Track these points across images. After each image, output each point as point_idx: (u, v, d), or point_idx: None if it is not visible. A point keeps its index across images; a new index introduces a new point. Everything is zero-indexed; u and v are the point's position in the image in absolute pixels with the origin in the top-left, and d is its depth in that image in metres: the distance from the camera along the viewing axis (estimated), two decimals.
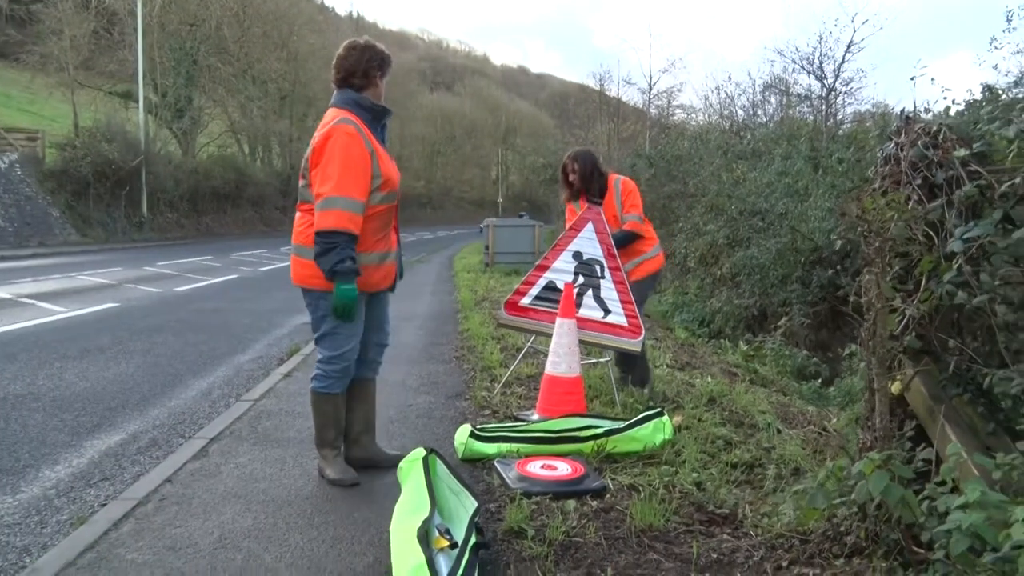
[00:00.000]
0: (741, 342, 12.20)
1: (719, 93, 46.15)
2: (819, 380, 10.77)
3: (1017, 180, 2.30)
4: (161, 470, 4.14)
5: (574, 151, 6.03)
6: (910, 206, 2.68)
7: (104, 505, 3.80)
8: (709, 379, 6.76)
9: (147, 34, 33.27)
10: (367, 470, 4.05)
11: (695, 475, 3.94)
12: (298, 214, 3.86)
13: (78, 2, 34.72)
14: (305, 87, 48.10)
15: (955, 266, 2.49)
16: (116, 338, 8.63)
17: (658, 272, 6.09)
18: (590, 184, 5.78)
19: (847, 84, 27.43)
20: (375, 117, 3.86)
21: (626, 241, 5.71)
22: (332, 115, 3.77)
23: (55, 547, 3.25)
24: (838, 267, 12.14)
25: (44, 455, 4.67)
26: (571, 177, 5.83)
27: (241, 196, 40.92)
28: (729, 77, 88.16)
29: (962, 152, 2.59)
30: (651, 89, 46.11)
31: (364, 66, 3.84)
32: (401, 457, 3.77)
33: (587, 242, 5.59)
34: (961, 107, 15.35)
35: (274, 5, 45.44)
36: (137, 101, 33.09)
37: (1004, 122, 2.45)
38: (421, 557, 2.64)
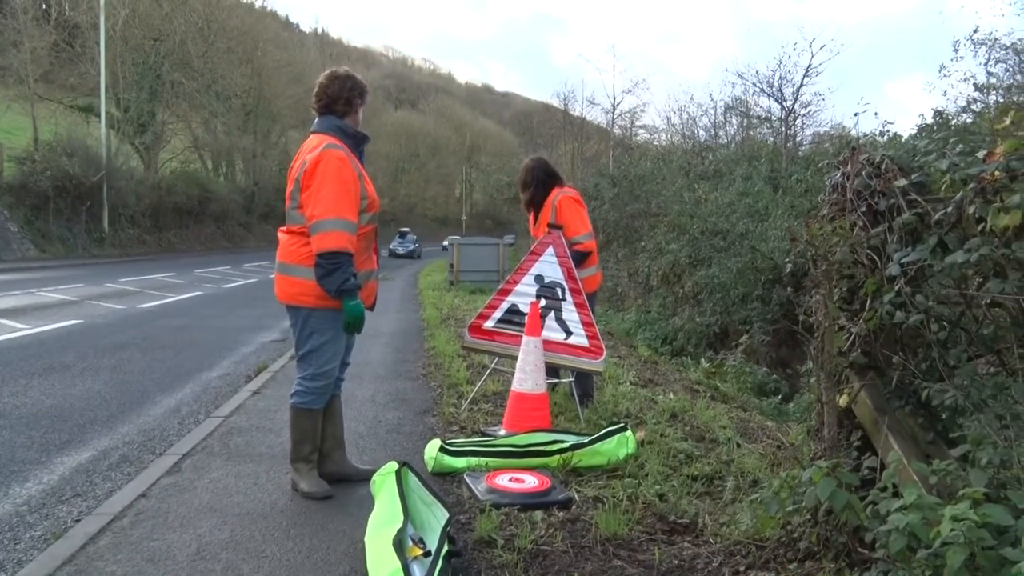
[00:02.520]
0: (703, 359, 12.45)
1: (681, 114, 47.01)
2: (779, 396, 11.04)
3: (949, 209, 2.51)
4: (135, 485, 4.19)
5: (528, 161, 6.28)
6: (855, 232, 2.88)
7: (79, 521, 3.83)
8: (671, 395, 6.94)
9: (110, 48, 33.03)
10: (339, 484, 4.15)
11: (657, 487, 4.09)
12: (285, 236, 3.98)
13: (38, 14, 34.40)
14: (270, 103, 48.03)
15: (895, 288, 2.68)
16: (81, 355, 8.59)
17: (597, 290, 6.32)
18: (532, 191, 6.05)
19: (806, 107, 28.05)
20: (356, 143, 4.04)
21: (579, 261, 5.87)
22: (318, 140, 3.91)
23: (33, 561, 3.30)
24: (791, 288, 12.47)
25: (13, 472, 4.68)
26: (520, 189, 6.18)
27: (204, 212, 40.67)
28: (691, 98, 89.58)
29: (902, 182, 2.80)
30: (615, 109, 46.68)
31: (347, 94, 4.01)
32: (372, 471, 3.89)
33: (548, 265, 5.75)
34: (914, 131, 15.92)
35: (239, 21, 45.41)
36: (99, 115, 32.78)
37: (939, 155, 2.66)
38: (397, 564, 2.76)
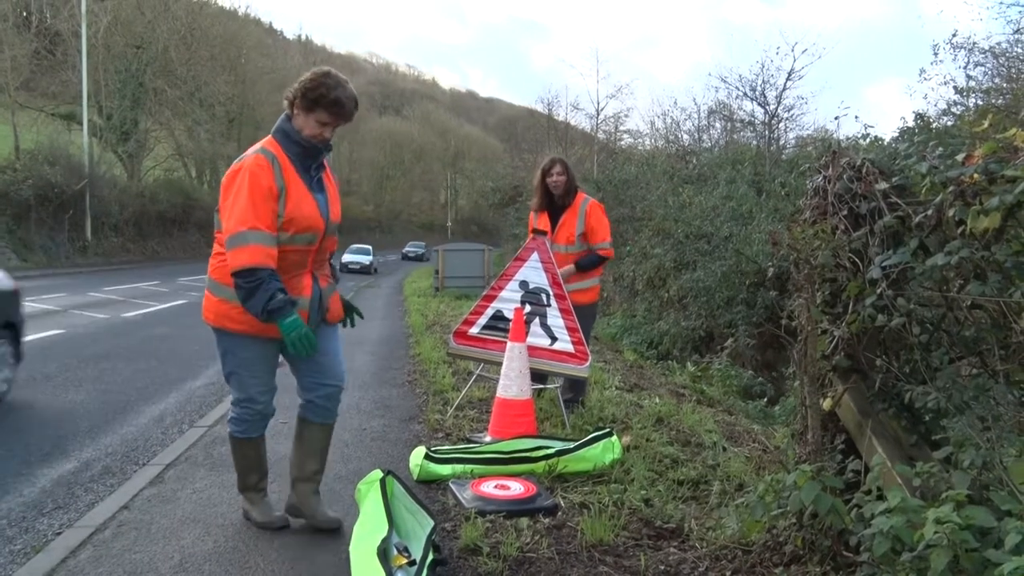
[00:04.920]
0: (689, 363, 12.46)
1: (665, 119, 47.07)
2: (765, 399, 11.06)
3: (930, 211, 2.52)
4: (117, 497, 4.15)
5: (558, 156, 6.15)
6: (836, 235, 2.89)
7: (59, 534, 3.78)
8: (657, 400, 6.94)
9: (91, 55, 32.81)
10: (325, 490, 4.09)
11: (643, 492, 4.09)
12: (215, 247, 3.56)
13: (19, 21, 34.16)
14: (253, 110, 47.83)
15: (877, 291, 2.69)
16: (63, 365, 8.50)
17: (597, 302, 6.34)
18: (568, 193, 5.88)
19: (788, 111, 28.26)
20: (304, 151, 3.42)
21: (594, 265, 5.89)
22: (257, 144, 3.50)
23: None
24: (775, 291, 12.49)
25: None
26: (555, 178, 5.86)
27: (188, 220, 40.43)
28: (675, 103, 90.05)
29: (883, 185, 2.81)
30: (599, 115, 46.83)
31: (290, 94, 3.44)
32: (338, 520, 3.65)
33: (533, 271, 5.75)
34: (895, 134, 16.05)
35: (222, 28, 45.23)
36: (81, 123, 32.53)
37: (919, 158, 2.67)
38: (382, 573, 2.74)
